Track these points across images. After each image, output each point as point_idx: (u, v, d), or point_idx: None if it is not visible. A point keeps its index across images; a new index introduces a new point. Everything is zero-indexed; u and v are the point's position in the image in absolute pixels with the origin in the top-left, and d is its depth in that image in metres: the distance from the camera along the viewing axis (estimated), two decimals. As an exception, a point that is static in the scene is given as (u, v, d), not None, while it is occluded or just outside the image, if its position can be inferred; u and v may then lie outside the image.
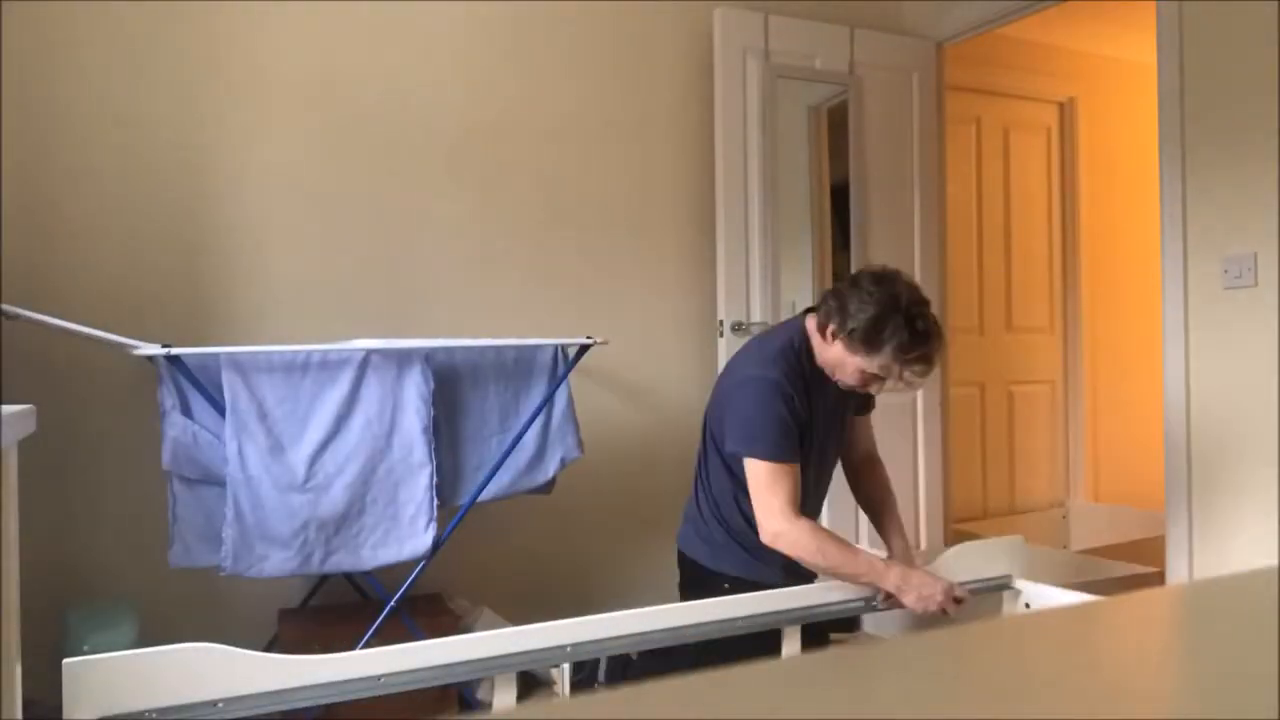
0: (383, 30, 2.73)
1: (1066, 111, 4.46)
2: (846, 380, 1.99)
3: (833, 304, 1.96)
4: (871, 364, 1.93)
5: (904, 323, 1.90)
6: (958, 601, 1.94)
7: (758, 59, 3.15)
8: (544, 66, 2.94)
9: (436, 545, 2.28)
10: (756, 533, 1.99)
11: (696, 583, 2.11)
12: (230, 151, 2.56)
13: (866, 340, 1.90)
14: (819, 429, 2.07)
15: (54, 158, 2.38)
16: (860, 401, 2.22)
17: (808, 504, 2.08)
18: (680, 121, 3.14)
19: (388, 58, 2.74)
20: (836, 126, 3.31)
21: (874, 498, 2.28)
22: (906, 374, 1.94)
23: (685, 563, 2.17)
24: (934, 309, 3.45)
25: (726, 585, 2.03)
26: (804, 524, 1.92)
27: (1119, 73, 4.51)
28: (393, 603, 2.26)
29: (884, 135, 3.37)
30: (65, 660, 1.46)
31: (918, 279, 3.42)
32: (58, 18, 2.38)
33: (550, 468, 2.49)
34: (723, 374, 2.16)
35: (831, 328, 1.95)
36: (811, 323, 2.04)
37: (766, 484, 1.92)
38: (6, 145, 2.31)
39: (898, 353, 1.90)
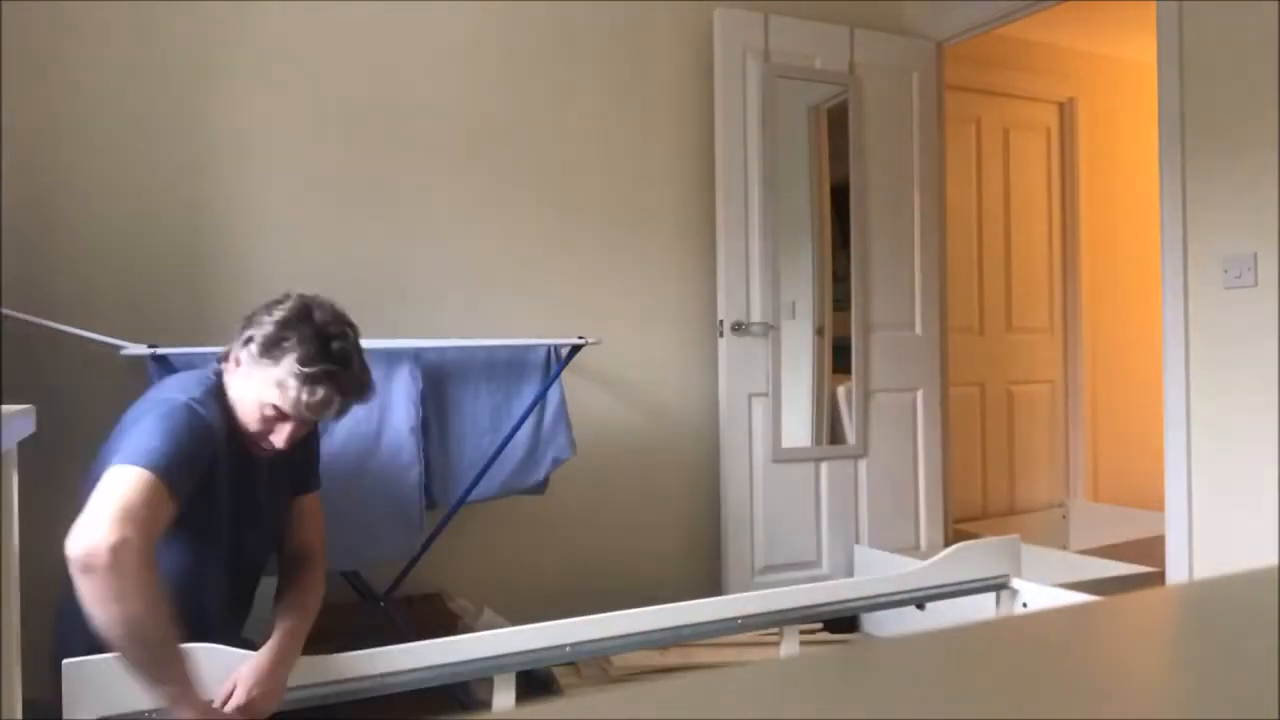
0: (381, 31, 2.73)
1: (1066, 111, 4.46)
2: (252, 425, 1.63)
3: (241, 325, 1.65)
4: (269, 384, 1.58)
5: (313, 334, 1.59)
6: None
7: (758, 59, 3.15)
8: (543, 66, 2.94)
9: (426, 545, 2.28)
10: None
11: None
12: (228, 153, 2.56)
13: (266, 350, 1.58)
14: (231, 506, 1.69)
15: (53, 157, 2.38)
16: (299, 476, 1.85)
17: (228, 581, 1.69)
18: (680, 121, 3.14)
19: (386, 58, 2.74)
20: (836, 126, 3.31)
21: (285, 597, 1.75)
22: (305, 396, 1.58)
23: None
24: (933, 309, 3.44)
25: None
26: (149, 554, 1.39)
27: (1119, 73, 4.51)
28: (381, 600, 2.26)
29: (884, 135, 3.37)
30: (65, 660, 1.46)
31: (917, 279, 3.43)
32: (57, 17, 2.38)
33: (542, 468, 2.50)
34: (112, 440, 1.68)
35: (235, 352, 1.63)
36: (227, 369, 1.67)
37: (137, 490, 1.43)
38: (6, 145, 2.31)
39: (298, 365, 1.57)
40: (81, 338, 2.19)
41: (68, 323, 2.23)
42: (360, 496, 2.22)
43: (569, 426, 2.53)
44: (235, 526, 1.70)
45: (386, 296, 2.72)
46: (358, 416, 2.23)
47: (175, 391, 1.61)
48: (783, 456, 3.15)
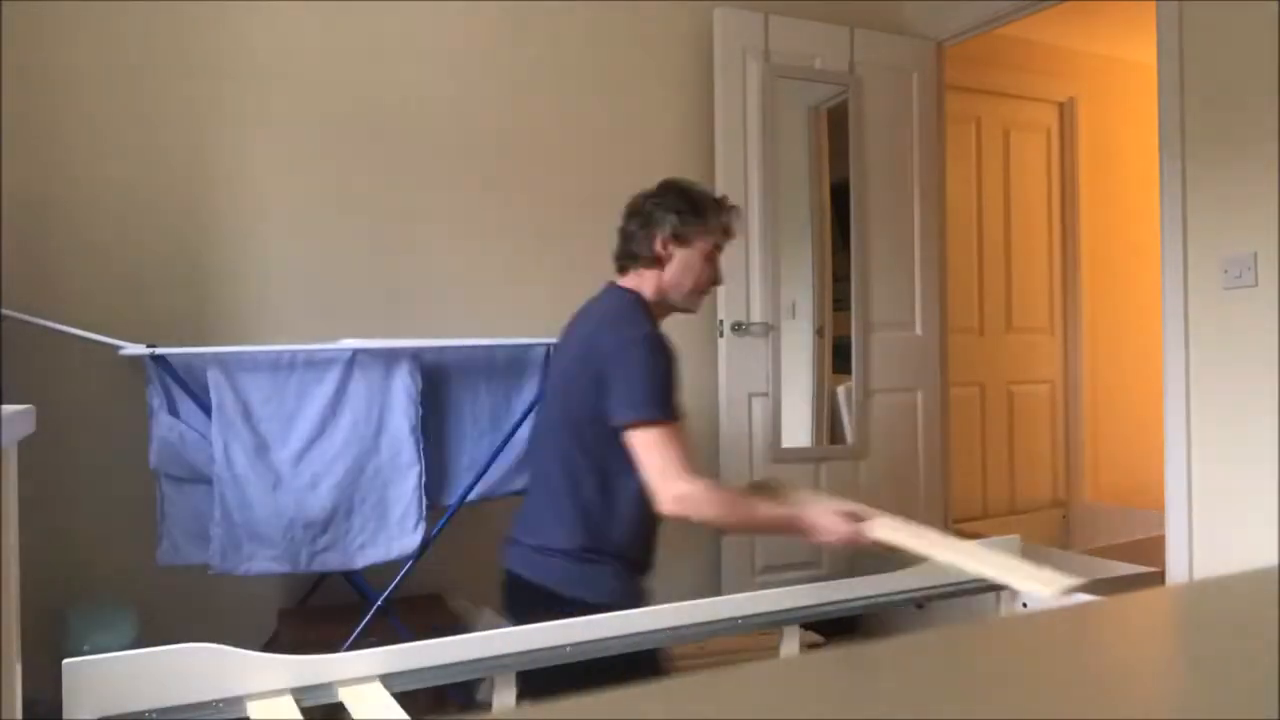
0: (380, 31, 2.73)
1: (1066, 111, 4.46)
2: (699, 281, 1.95)
3: (640, 234, 1.94)
4: (710, 234, 1.94)
5: (698, 188, 1.98)
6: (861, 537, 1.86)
7: (758, 59, 3.15)
8: (543, 66, 2.94)
9: (425, 544, 2.28)
10: (642, 545, 1.87)
11: (544, 611, 1.82)
12: (227, 153, 2.56)
13: (696, 212, 1.92)
14: None
15: (53, 157, 2.38)
16: None
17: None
18: (680, 121, 3.14)
19: (385, 58, 2.74)
20: (836, 126, 3.31)
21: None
22: (733, 221, 1.98)
23: (529, 591, 1.88)
24: (933, 309, 3.48)
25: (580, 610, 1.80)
26: (705, 484, 1.77)
27: (1119, 73, 4.51)
28: (379, 602, 2.26)
29: (884, 135, 3.37)
30: (65, 660, 1.46)
31: (917, 279, 3.43)
32: (57, 18, 2.38)
33: None
34: (571, 346, 1.95)
35: (660, 240, 1.91)
36: (629, 282, 1.96)
37: (660, 446, 1.74)
38: (6, 145, 2.31)
39: (717, 207, 1.95)
40: (81, 338, 2.19)
41: (68, 323, 2.23)
42: (361, 496, 2.22)
43: (569, 426, 2.52)
44: None
45: (386, 296, 2.72)
46: (358, 416, 2.24)
47: (633, 325, 1.86)
48: (783, 456, 3.15)
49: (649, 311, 1.93)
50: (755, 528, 1.89)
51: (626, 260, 1.97)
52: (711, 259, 1.97)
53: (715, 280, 2.00)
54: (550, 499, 1.90)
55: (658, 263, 1.93)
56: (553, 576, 1.85)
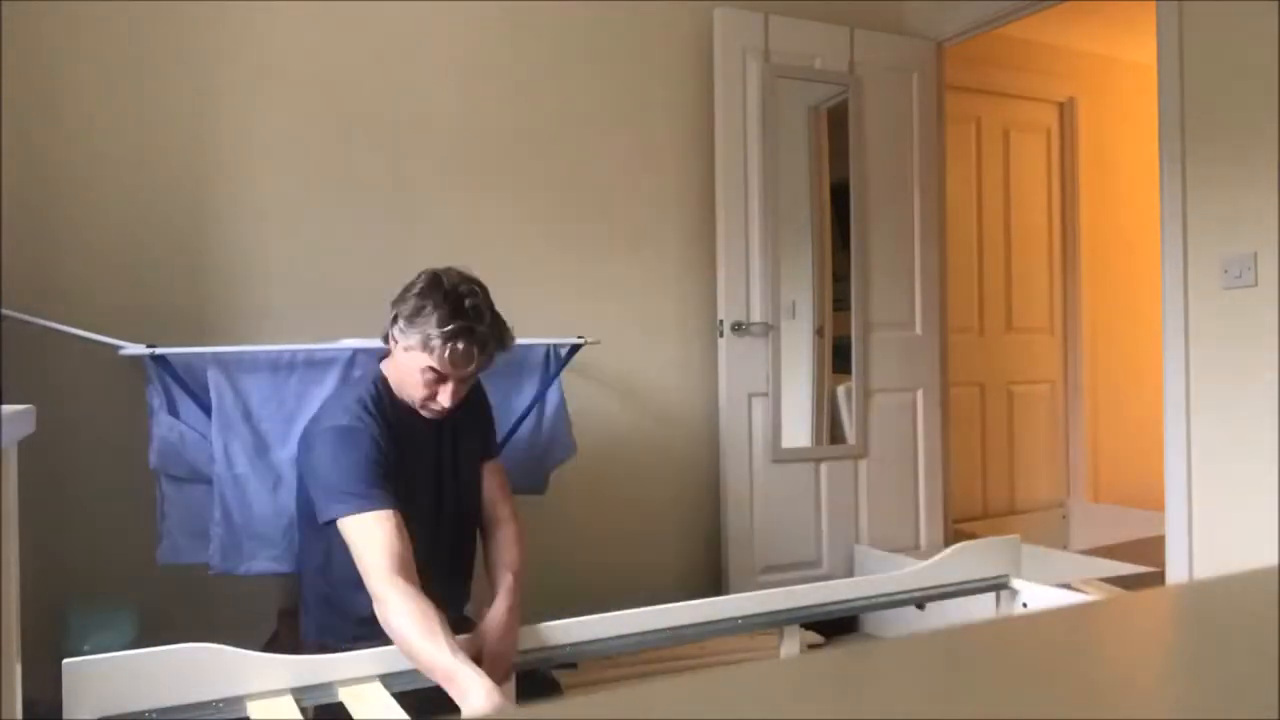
0: (380, 30, 2.73)
1: (1066, 111, 4.46)
2: (416, 394, 1.84)
3: (389, 314, 1.87)
4: (419, 350, 1.78)
5: (444, 298, 1.79)
6: None
7: (758, 59, 3.15)
8: (543, 66, 2.94)
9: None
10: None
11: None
12: (228, 152, 2.56)
13: (410, 320, 1.79)
14: (425, 479, 1.93)
15: (53, 157, 2.38)
16: (478, 444, 2.06)
17: (433, 565, 1.83)
18: (680, 121, 3.14)
19: (386, 58, 2.74)
20: (836, 126, 3.31)
21: (494, 559, 2.01)
22: (449, 354, 1.77)
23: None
24: (933, 309, 3.47)
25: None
26: (404, 590, 1.62)
27: (1119, 73, 4.51)
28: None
29: (884, 135, 3.37)
30: (65, 660, 1.46)
31: (917, 279, 3.43)
32: (58, 18, 2.38)
33: (542, 468, 2.49)
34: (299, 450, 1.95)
35: (390, 334, 1.85)
36: (386, 361, 1.93)
37: (360, 543, 1.68)
38: (6, 146, 2.31)
39: (438, 327, 1.76)
40: (81, 338, 2.19)
41: (68, 323, 2.23)
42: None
43: (569, 426, 2.53)
44: (427, 486, 1.93)
45: (387, 297, 2.71)
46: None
47: (331, 418, 1.83)
48: (783, 456, 3.15)
49: (377, 389, 1.87)
50: (422, 661, 1.61)
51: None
52: (427, 379, 1.81)
53: (433, 401, 1.84)
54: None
55: (390, 348, 1.88)
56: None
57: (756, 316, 3.13)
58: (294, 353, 2.21)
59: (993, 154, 4.32)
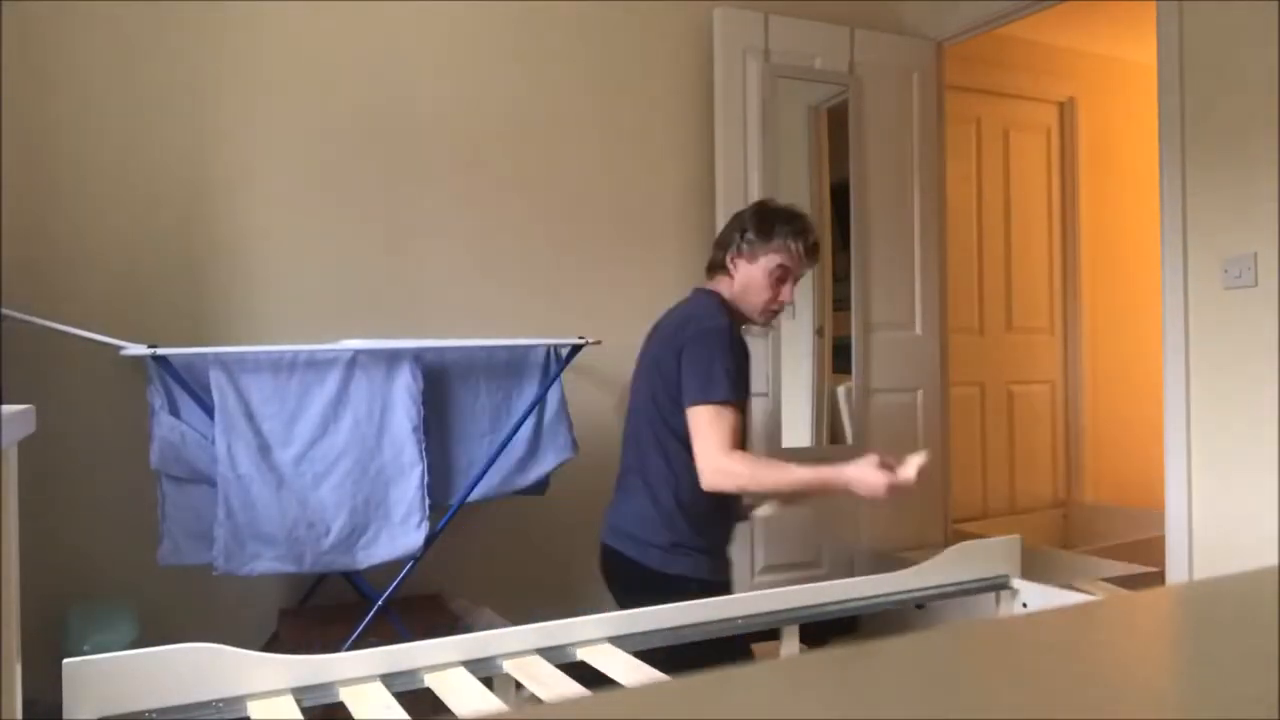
0: (381, 32, 2.73)
1: (1066, 111, 4.46)
2: (761, 298, 2.10)
3: (721, 241, 2.16)
4: (773, 257, 2.07)
5: (787, 215, 2.10)
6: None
7: (758, 59, 3.15)
8: (543, 66, 2.94)
9: (426, 545, 2.28)
10: (720, 532, 2.09)
11: (643, 587, 2.03)
12: (228, 153, 2.56)
13: (761, 235, 2.07)
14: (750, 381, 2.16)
15: (53, 157, 2.38)
16: None
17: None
18: (680, 121, 3.14)
19: (386, 58, 2.74)
20: (836, 126, 3.31)
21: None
22: (801, 250, 2.08)
23: (626, 565, 2.09)
24: (933, 309, 3.49)
25: (691, 589, 1.97)
26: (741, 456, 1.95)
27: (1119, 73, 4.51)
28: (380, 601, 2.26)
29: (884, 135, 3.37)
30: (65, 660, 1.46)
31: (917, 279, 3.43)
32: (57, 18, 2.38)
33: (541, 468, 2.49)
34: (655, 342, 2.20)
35: (730, 254, 2.11)
36: (714, 286, 2.16)
37: (709, 425, 1.94)
38: (6, 146, 2.31)
39: (789, 227, 2.07)
40: (81, 338, 2.19)
41: (68, 323, 2.23)
42: (363, 496, 2.22)
43: (570, 426, 2.53)
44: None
45: (386, 297, 2.72)
46: (359, 416, 2.23)
47: (710, 318, 2.05)
48: (783, 456, 3.15)
49: (726, 309, 2.10)
50: (792, 488, 1.95)
51: (711, 267, 2.19)
52: (776, 279, 2.09)
53: (776, 301, 2.12)
54: (642, 492, 2.10)
55: (729, 274, 2.13)
56: (651, 560, 2.06)
57: (756, 316, 3.13)
58: (296, 353, 2.21)
59: (993, 154, 4.32)
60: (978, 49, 3.80)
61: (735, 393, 1.97)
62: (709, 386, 1.96)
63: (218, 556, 2.08)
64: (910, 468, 1.91)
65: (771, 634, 2.18)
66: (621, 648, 1.81)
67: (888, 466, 1.91)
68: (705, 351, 1.99)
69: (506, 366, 2.47)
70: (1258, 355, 2.53)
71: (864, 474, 1.89)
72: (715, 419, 1.93)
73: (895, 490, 1.89)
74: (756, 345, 3.13)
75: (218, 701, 1.58)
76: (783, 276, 2.11)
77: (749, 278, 2.11)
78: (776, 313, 2.16)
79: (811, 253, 2.13)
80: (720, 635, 1.88)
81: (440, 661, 1.79)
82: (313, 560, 2.17)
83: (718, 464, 1.92)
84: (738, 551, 3.07)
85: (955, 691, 0.30)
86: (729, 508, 2.10)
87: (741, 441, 1.99)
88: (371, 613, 2.26)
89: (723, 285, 2.16)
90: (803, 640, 2.06)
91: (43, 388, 2.31)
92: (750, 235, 2.09)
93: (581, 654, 1.86)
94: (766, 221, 2.09)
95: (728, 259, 2.13)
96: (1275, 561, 2.49)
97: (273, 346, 2.24)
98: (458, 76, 2.83)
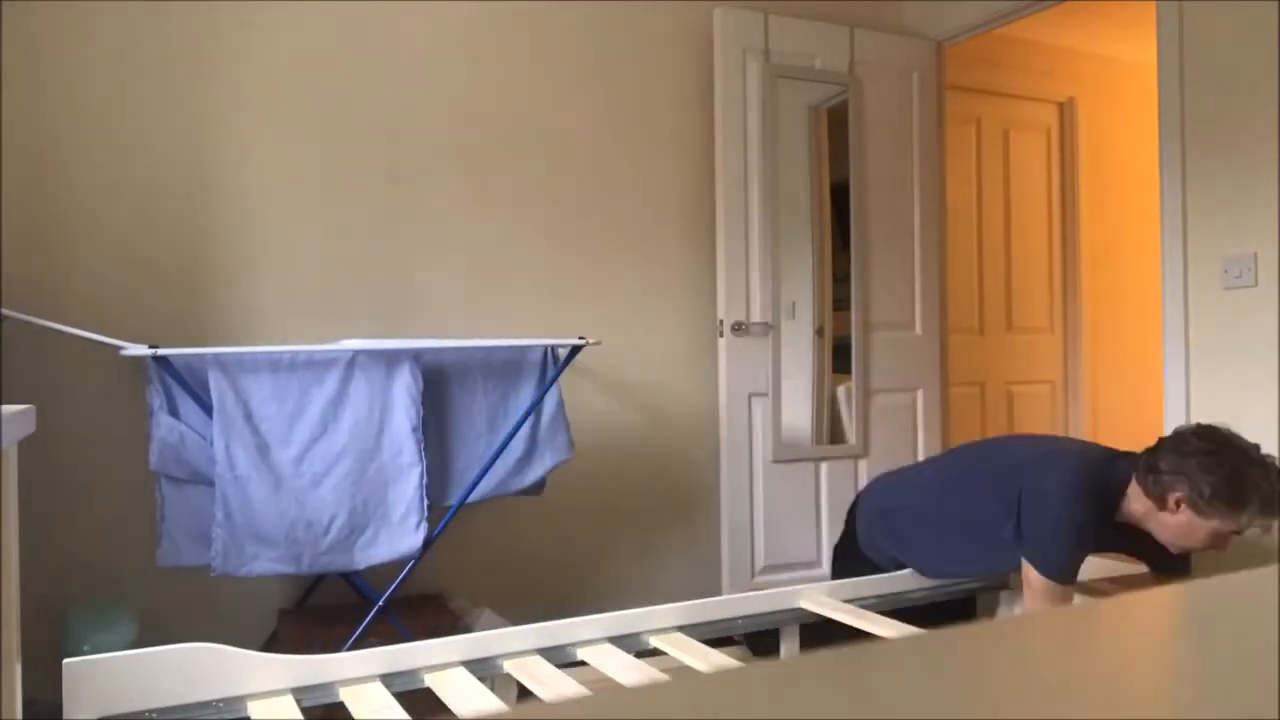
0: (380, 31, 2.73)
1: (1066, 111, 4.46)
2: (1187, 544, 1.98)
3: (1167, 477, 1.95)
4: (1231, 523, 1.91)
5: (1261, 476, 1.90)
6: None
7: (758, 59, 3.15)
8: (543, 66, 2.94)
9: (426, 545, 2.28)
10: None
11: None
12: (228, 153, 2.56)
13: (1231, 502, 1.89)
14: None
15: (53, 157, 2.38)
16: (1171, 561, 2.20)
17: None
18: (680, 121, 3.14)
19: (385, 59, 2.74)
20: (836, 126, 3.31)
21: None
22: (1262, 529, 1.95)
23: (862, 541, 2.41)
24: (933, 309, 3.49)
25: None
26: None
27: (1119, 73, 4.51)
28: (381, 602, 2.26)
29: (884, 135, 3.37)
30: (65, 660, 1.46)
31: (917, 279, 3.43)
32: (57, 19, 2.38)
33: (538, 469, 2.49)
34: (1036, 455, 2.15)
35: (1176, 497, 1.94)
36: (1135, 490, 2.03)
37: (1041, 597, 2.02)
38: (6, 146, 2.31)
39: (1264, 505, 1.89)
40: (81, 338, 2.19)
41: (68, 323, 2.23)
42: (363, 497, 2.22)
43: (567, 427, 2.53)
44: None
45: (386, 297, 2.72)
46: (359, 417, 2.23)
47: (1078, 490, 2.00)
48: (783, 456, 3.15)
49: (1109, 496, 2.04)
50: None
51: (1142, 477, 2.00)
52: (1219, 538, 1.95)
53: (1202, 551, 2.02)
54: None
55: (1161, 506, 1.98)
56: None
57: (756, 316, 3.13)
58: (295, 353, 2.21)
59: (993, 154, 4.32)
60: (978, 49, 3.80)
61: (1071, 574, 2.03)
62: (1047, 557, 2.05)
63: (216, 557, 2.08)
64: None
65: (772, 634, 2.18)
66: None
67: None
68: (1054, 521, 2.03)
69: (503, 367, 2.47)
70: (1258, 355, 2.53)
71: None
72: (1048, 594, 2.05)
73: None
74: (756, 345, 3.14)
75: (218, 701, 1.58)
76: (1227, 538, 1.97)
77: (1190, 528, 1.96)
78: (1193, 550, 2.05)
79: (1270, 528, 2.01)
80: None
81: (440, 661, 1.79)
82: (311, 561, 2.17)
83: None
84: (738, 552, 3.07)
85: (955, 691, 0.30)
86: None
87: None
88: (372, 613, 2.25)
89: (1136, 499, 2.03)
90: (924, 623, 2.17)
91: (43, 388, 2.31)
92: (1217, 501, 1.90)
93: (581, 654, 1.87)
94: (1237, 491, 1.89)
95: (1169, 498, 1.96)
96: (1275, 561, 2.48)
97: (272, 347, 2.24)
98: (457, 76, 2.83)
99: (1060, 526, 1.99)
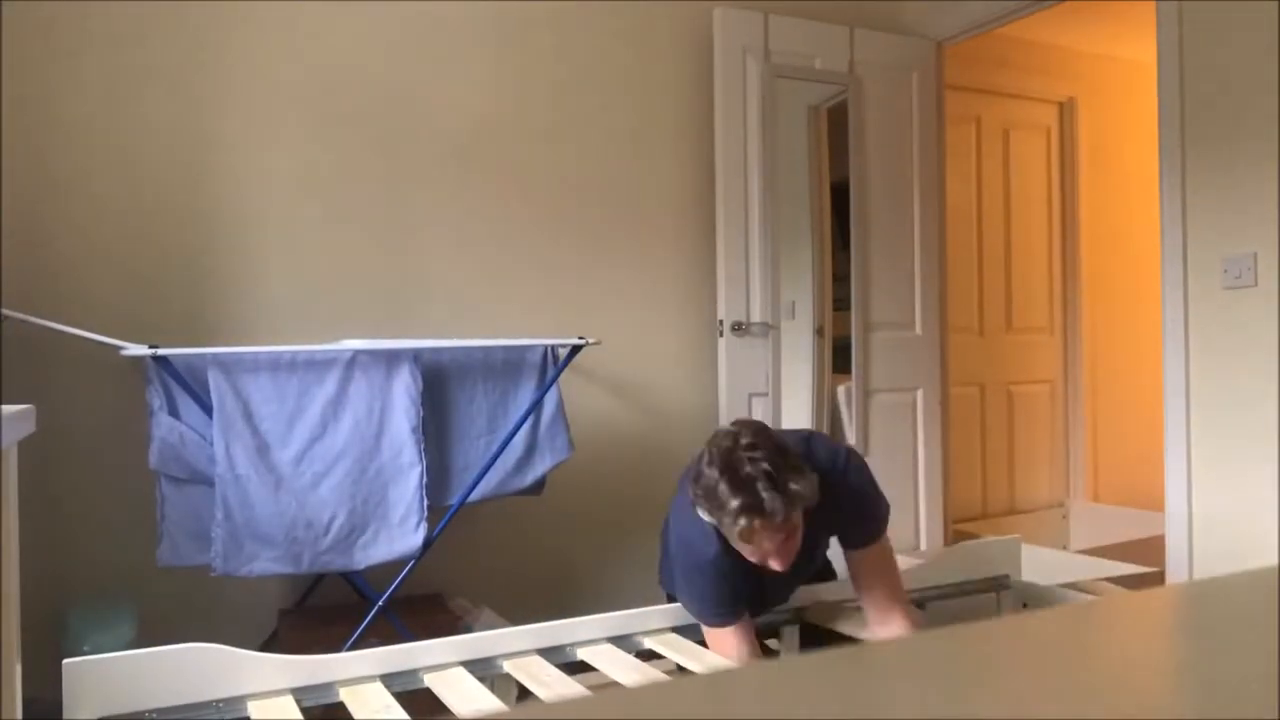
0: (380, 31, 2.73)
1: (1066, 111, 4.46)
2: (748, 557, 1.78)
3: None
4: (730, 536, 1.72)
5: (717, 486, 1.68)
6: None
7: (758, 59, 3.15)
8: (543, 66, 2.94)
9: (426, 545, 2.28)
10: None
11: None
12: (228, 153, 2.56)
13: (708, 509, 1.73)
14: (754, 591, 1.93)
15: (53, 158, 2.38)
16: (829, 537, 2.00)
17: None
18: (680, 121, 3.14)
19: (385, 59, 2.74)
20: (836, 126, 3.31)
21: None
22: (743, 540, 1.70)
23: None
24: (933, 309, 3.44)
25: None
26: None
27: (1119, 73, 4.51)
28: (381, 602, 2.26)
29: (884, 135, 3.37)
30: (65, 660, 1.46)
31: (917, 279, 3.43)
32: (57, 19, 2.38)
33: (538, 469, 2.49)
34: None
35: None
36: None
37: (724, 646, 1.88)
38: (6, 146, 2.31)
39: (728, 521, 1.68)
40: (81, 338, 2.19)
41: (68, 323, 2.23)
42: (362, 497, 2.22)
43: (567, 427, 2.53)
44: (761, 599, 1.99)
45: (386, 296, 2.72)
46: (359, 417, 2.23)
47: (685, 540, 1.87)
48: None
49: (714, 534, 1.81)
50: None
51: None
52: (748, 551, 1.75)
53: (763, 566, 1.79)
54: None
55: None
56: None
57: (756, 316, 3.13)
58: (295, 353, 2.21)
59: (993, 154, 4.32)
60: (978, 49, 3.80)
61: (730, 613, 1.87)
62: (699, 613, 1.94)
63: (215, 557, 2.08)
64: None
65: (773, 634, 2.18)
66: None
67: None
68: (687, 579, 1.93)
69: (503, 367, 2.47)
70: (1258, 355, 2.53)
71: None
72: (721, 642, 1.90)
73: None
74: (756, 345, 3.14)
75: (218, 701, 1.58)
76: (755, 552, 1.76)
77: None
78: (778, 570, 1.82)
79: (751, 533, 1.68)
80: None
81: (440, 661, 1.79)
82: (311, 561, 2.17)
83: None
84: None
85: (955, 691, 0.30)
86: None
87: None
88: (372, 613, 2.25)
89: None
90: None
91: (43, 388, 2.31)
92: (701, 504, 1.75)
93: (581, 654, 1.86)
94: (711, 497, 1.71)
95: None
96: (1275, 561, 2.49)
97: (272, 347, 2.24)
98: (458, 76, 2.83)
99: (686, 584, 1.90)
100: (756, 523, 1.65)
